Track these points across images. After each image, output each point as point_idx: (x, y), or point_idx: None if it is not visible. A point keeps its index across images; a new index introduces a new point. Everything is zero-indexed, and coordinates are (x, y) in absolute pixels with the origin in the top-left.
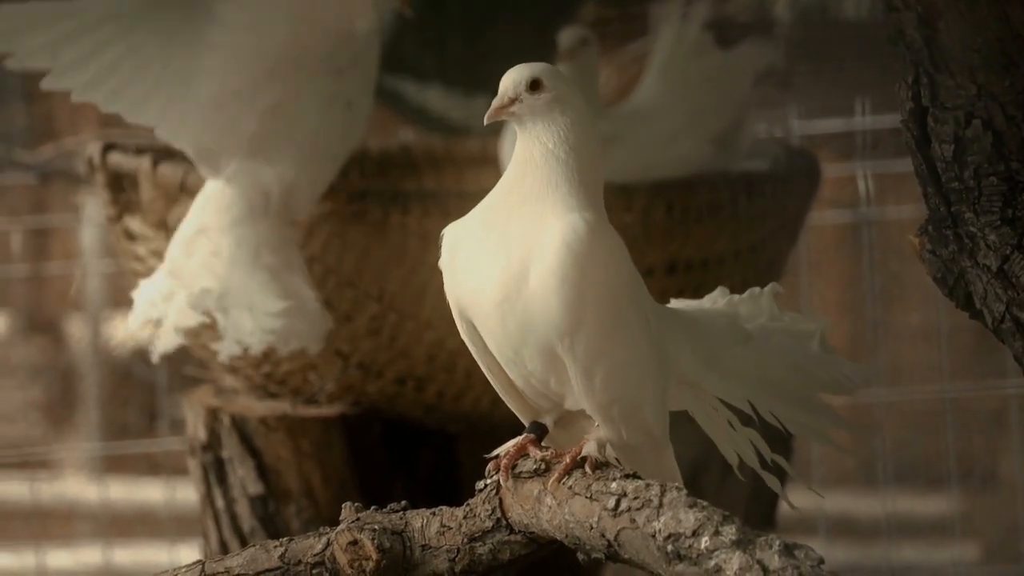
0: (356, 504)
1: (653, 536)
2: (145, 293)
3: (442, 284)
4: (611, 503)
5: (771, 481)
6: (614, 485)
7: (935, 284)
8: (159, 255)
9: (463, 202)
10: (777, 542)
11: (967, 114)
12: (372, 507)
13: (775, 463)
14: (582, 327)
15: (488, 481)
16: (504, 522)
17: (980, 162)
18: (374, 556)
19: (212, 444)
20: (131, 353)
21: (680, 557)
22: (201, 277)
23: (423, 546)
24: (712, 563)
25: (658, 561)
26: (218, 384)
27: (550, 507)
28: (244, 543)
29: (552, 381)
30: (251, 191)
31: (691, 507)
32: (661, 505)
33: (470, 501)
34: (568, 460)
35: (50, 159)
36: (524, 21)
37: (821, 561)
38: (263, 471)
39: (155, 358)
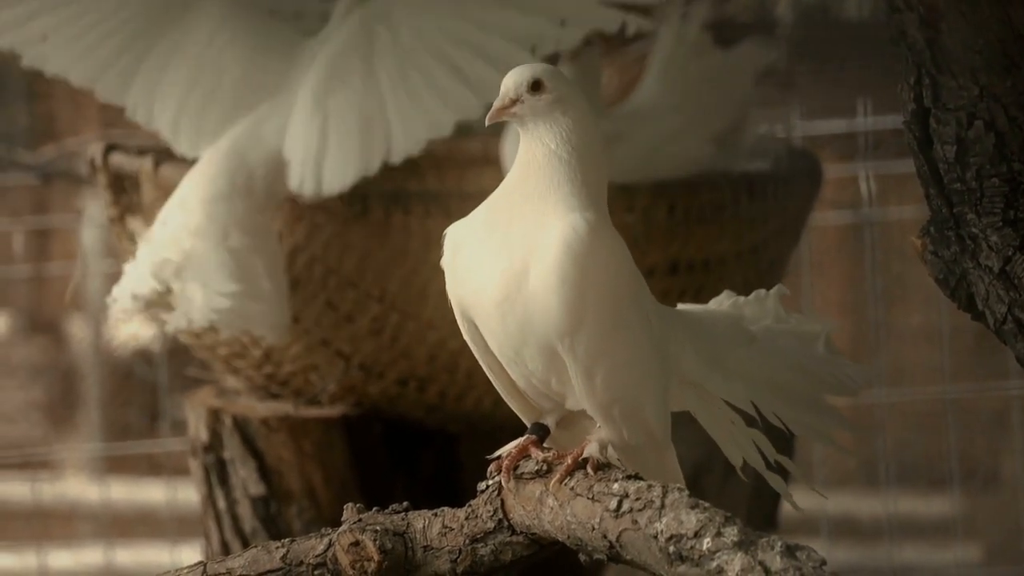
0: (358, 505)
1: (655, 537)
2: (128, 268)
3: (444, 284)
4: (613, 504)
5: (776, 482)
6: (616, 486)
7: (937, 285)
8: None
9: (465, 203)
10: (779, 543)
11: (969, 115)
12: (374, 508)
13: (778, 464)
14: (583, 327)
15: (490, 482)
16: (506, 523)
17: (982, 163)
18: (376, 557)
19: (214, 445)
20: (133, 354)
21: (682, 558)
22: (167, 247)
23: (425, 547)
24: (714, 564)
25: (660, 562)
26: (220, 385)
27: (552, 508)
28: (246, 544)
29: (553, 381)
30: (237, 168)
31: (693, 508)
32: (663, 506)
33: (472, 502)
34: (570, 461)
35: (52, 160)
36: None
37: (823, 562)
38: (265, 472)
39: (111, 323)
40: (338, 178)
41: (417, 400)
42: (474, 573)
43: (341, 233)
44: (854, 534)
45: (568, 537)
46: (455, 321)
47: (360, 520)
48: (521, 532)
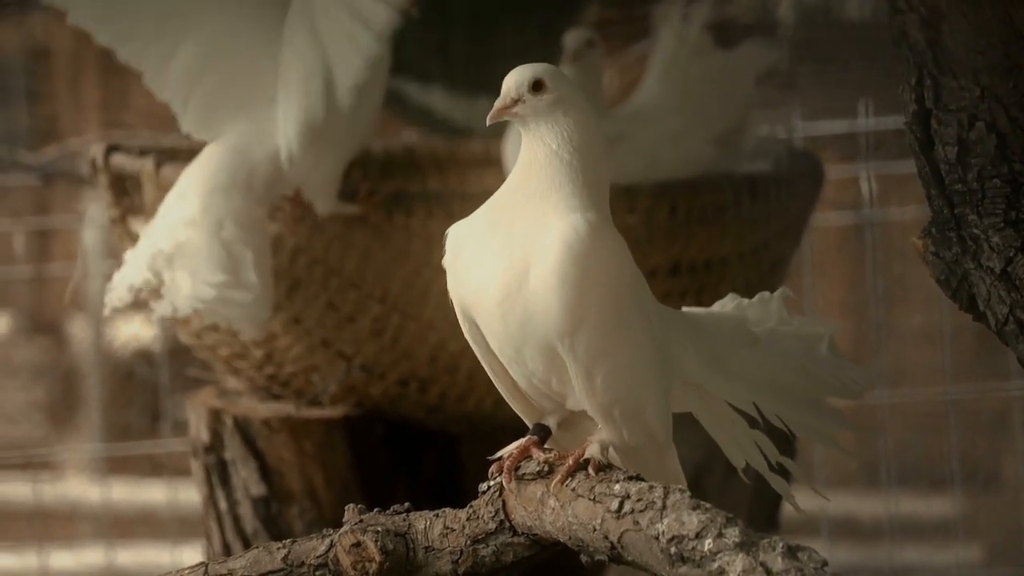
0: (359, 506)
1: (656, 538)
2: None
3: (445, 285)
4: (614, 505)
5: (778, 484)
6: (617, 487)
7: (938, 286)
8: None
9: (466, 203)
10: (781, 544)
11: (971, 116)
12: (375, 509)
13: (780, 465)
14: (583, 327)
15: (491, 483)
16: (507, 524)
17: (984, 164)
18: (377, 558)
19: (215, 445)
20: (134, 354)
21: (683, 559)
22: (162, 238)
23: (426, 548)
24: (716, 565)
25: (661, 563)
26: (221, 385)
27: (553, 509)
28: (247, 545)
29: (554, 381)
30: (239, 163)
31: (694, 509)
32: (664, 507)
33: (473, 503)
34: (571, 462)
35: (53, 160)
36: (527, 22)
37: (825, 563)
38: (266, 472)
39: (106, 312)
40: (291, 134)
41: (418, 401)
42: (475, 574)
43: (343, 234)
44: (855, 535)
45: (569, 538)
46: (456, 322)
47: (361, 521)
48: (522, 533)
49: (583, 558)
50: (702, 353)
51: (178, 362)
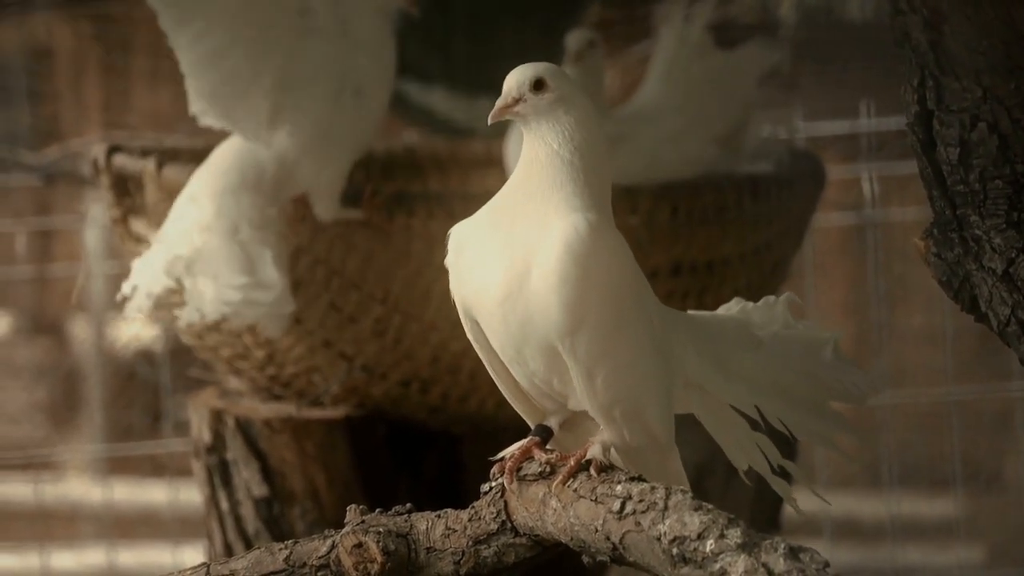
0: (361, 506)
1: (658, 539)
2: (138, 264)
3: (447, 286)
4: (616, 506)
5: (780, 486)
6: (619, 488)
7: (940, 287)
8: None
9: (468, 204)
10: (782, 545)
11: (972, 117)
12: (377, 509)
13: (781, 468)
14: (583, 327)
15: (493, 484)
16: (509, 525)
17: (985, 165)
18: (379, 559)
19: (217, 446)
20: (135, 354)
21: (685, 560)
22: (179, 243)
23: (428, 549)
24: (717, 566)
25: (663, 564)
26: (223, 386)
27: (555, 510)
28: (248, 545)
29: (555, 381)
30: (248, 164)
31: (696, 510)
32: (666, 508)
33: (475, 504)
34: (573, 463)
35: (54, 161)
36: (529, 23)
37: (826, 564)
38: (267, 473)
39: (128, 315)
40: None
41: (420, 401)
42: (477, 575)
43: (344, 235)
44: (857, 535)
45: (571, 539)
46: (458, 323)
47: (363, 522)
48: (524, 534)
49: (585, 559)
50: (704, 354)
51: (179, 362)
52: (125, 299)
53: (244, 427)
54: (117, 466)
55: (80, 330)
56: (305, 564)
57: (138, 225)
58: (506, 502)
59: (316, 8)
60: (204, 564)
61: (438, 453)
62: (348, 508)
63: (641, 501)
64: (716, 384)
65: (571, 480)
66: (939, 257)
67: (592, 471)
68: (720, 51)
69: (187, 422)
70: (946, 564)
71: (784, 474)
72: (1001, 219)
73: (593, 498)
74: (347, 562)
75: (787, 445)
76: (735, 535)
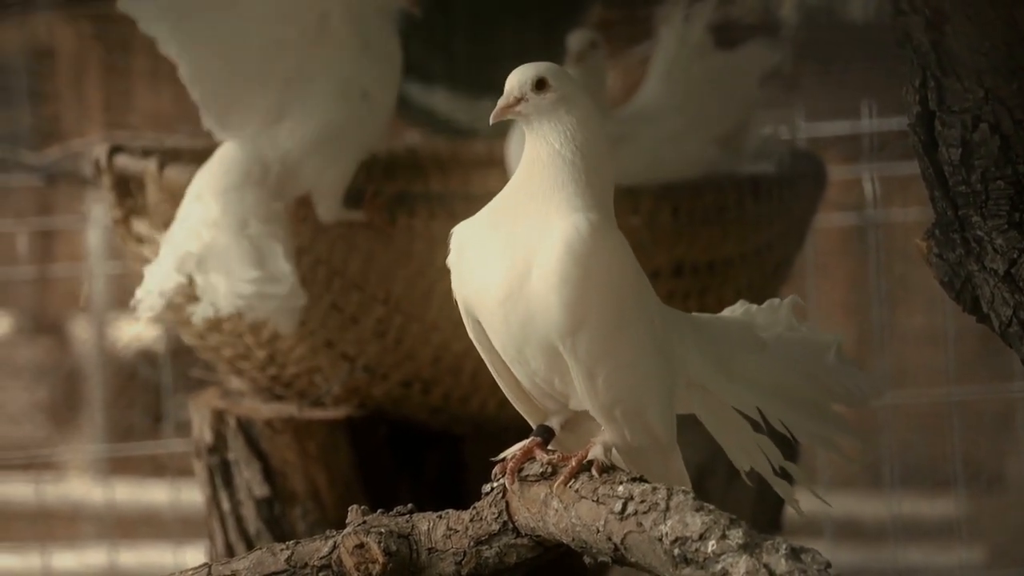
0: (362, 507)
1: (660, 540)
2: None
3: (448, 286)
4: (618, 506)
5: (781, 488)
6: (621, 488)
7: (942, 288)
8: None
9: (469, 204)
10: (784, 546)
11: (974, 118)
12: (378, 510)
13: (783, 469)
14: (584, 327)
15: (494, 484)
16: (510, 525)
17: (987, 166)
18: (380, 559)
19: (218, 446)
20: (136, 354)
21: (687, 561)
22: (188, 241)
23: (429, 549)
24: (719, 567)
25: (665, 565)
26: (224, 386)
27: (556, 510)
28: (250, 545)
29: (556, 381)
30: (252, 162)
31: (698, 511)
32: (668, 508)
33: (476, 504)
34: (574, 463)
35: (56, 161)
36: (530, 23)
37: (828, 565)
38: (269, 473)
39: (140, 321)
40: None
41: (421, 402)
42: (479, 575)
43: (346, 235)
44: (858, 536)
45: (572, 539)
46: (459, 323)
47: (365, 522)
48: (525, 534)
49: (586, 559)
50: (707, 355)
51: (181, 362)
52: (138, 303)
53: (245, 427)
54: (118, 466)
55: (81, 330)
56: (307, 564)
57: (140, 225)
58: (508, 503)
59: (331, 11)
60: (206, 564)
61: (439, 453)
62: (350, 508)
63: (643, 502)
64: (718, 385)
65: (573, 481)
66: (941, 258)
67: (594, 472)
68: (721, 51)
69: (188, 422)
70: (947, 565)
71: (785, 475)
72: (1003, 220)
73: (595, 499)
74: (348, 563)
75: (788, 446)
76: (737, 536)
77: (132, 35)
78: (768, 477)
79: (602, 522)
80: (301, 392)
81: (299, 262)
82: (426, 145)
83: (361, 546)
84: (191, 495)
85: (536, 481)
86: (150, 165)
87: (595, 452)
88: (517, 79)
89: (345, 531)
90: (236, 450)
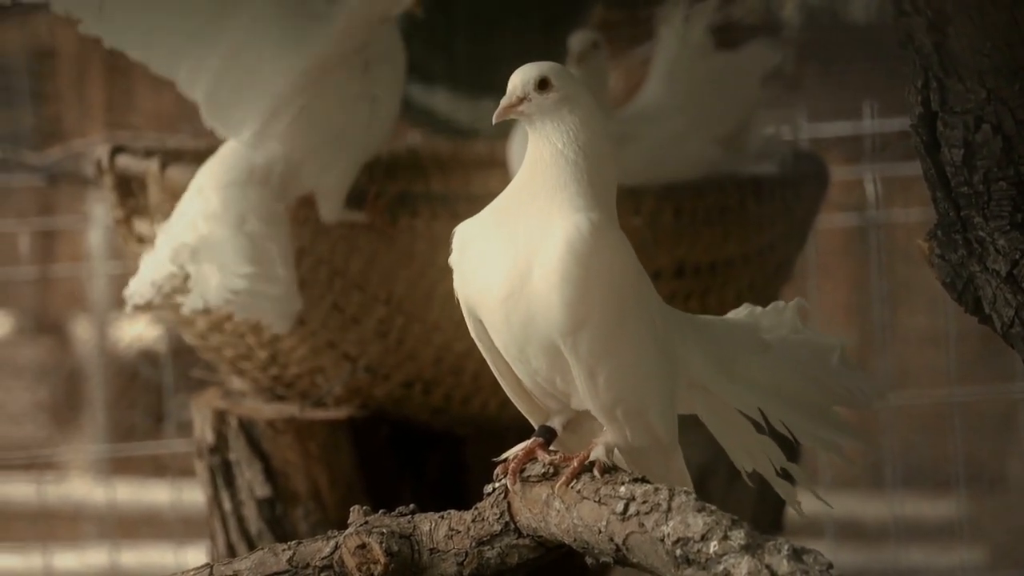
0: (364, 507)
1: (662, 540)
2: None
3: (450, 287)
4: (620, 507)
5: (783, 489)
6: (623, 489)
7: (944, 288)
8: None
9: (471, 205)
10: (786, 547)
11: (976, 118)
12: (380, 510)
13: (784, 470)
14: (585, 326)
15: (496, 485)
16: (512, 526)
17: (989, 167)
18: (382, 560)
19: (219, 446)
20: (138, 354)
21: (689, 561)
22: (184, 232)
23: (431, 550)
24: (721, 568)
25: (667, 565)
26: (226, 386)
27: (558, 511)
28: (251, 546)
29: (558, 380)
30: (256, 160)
31: (700, 511)
32: (670, 509)
33: (478, 505)
34: (576, 464)
35: (58, 161)
36: (531, 24)
37: (830, 566)
38: (270, 474)
39: (128, 309)
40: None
41: (423, 402)
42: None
43: (347, 235)
44: (859, 536)
45: (574, 540)
46: (461, 324)
47: (366, 522)
48: (527, 535)
49: (588, 560)
50: (709, 356)
51: (182, 363)
52: (130, 292)
53: (247, 428)
54: (120, 466)
55: (83, 330)
56: (308, 565)
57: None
58: (509, 503)
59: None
60: (208, 565)
61: (441, 454)
62: (351, 509)
63: (645, 502)
64: (720, 385)
65: (574, 481)
66: (943, 259)
67: (595, 472)
68: (722, 52)
69: (190, 422)
70: (949, 565)
71: (787, 476)
72: (1005, 221)
73: (596, 499)
74: (350, 563)
75: (790, 447)
76: (739, 536)
77: None
78: (770, 478)
79: (604, 523)
80: (303, 392)
81: (300, 262)
82: (427, 145)
83: (363, 546)
84: (192, 495)
85: (538, 482)
86: (152, 165)
87: (597, 453)
88: (520, 79)
89: (347, 531)
90: (238, 450)
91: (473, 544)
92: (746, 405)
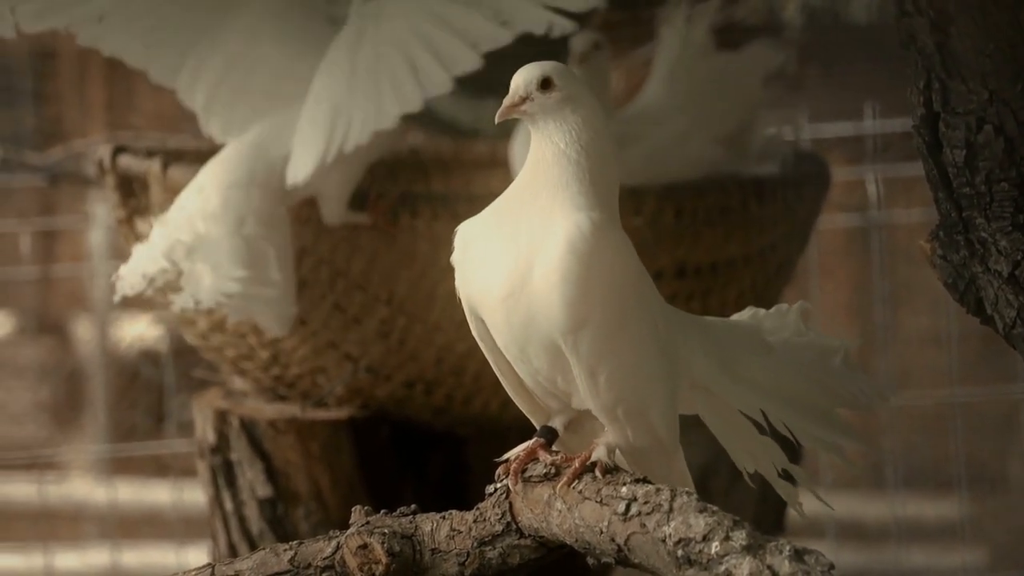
0: (366, 508)
1: (663, 541)
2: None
3: (451, 287)
4: (621, 507)
5: (784, 491)
6: (624, 489)
7: (946, 289)
8: None
9: (472, 205)
10: (787, 547)
11: (979, 119)
12: (382, 511)
13: (786, 471)
14: (586, 325)
15: (498, 485)
16: (514, 526)
17: (991, 167)
18: (384, 560)
19: (221, 446)
20: (139, 354)
21: (690, 562)
22: (181, 229)
23: (433, 550)
24: (722, 568)
25: (668, 566)
26: (227, 386)
27: (560, 511)
28: (253, 546)
29: (559, 379)
30: (258, 161)
31: (701, 512)
32: (671, 510)
33: (480, 505)
34: (578, 464)
35: (59, 161)
36: None
37: (831, 567)
38: (272, 474)
39: (116, 299)
40: (300, 168)
41: (424, 403)
42: None
43: (349, 236)
44: (861, 537)
45: (576, 540)
46: (462, 324)
47: (368, 523)
48: (529, 535)
49: (590, 560)
50: (711, 356)
51: (184, 362)
52: (120, 279)
53: (248, 427)
54: (121, 466)
55: (84, 330)
56: (310, 565)
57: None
58: (511, 503)
59: (343, 16)
60: (209, 565)
61: (443, 454)
62: (353, 509)
63: (646, 503)
64: (722, 386)
65: (576, 482)
66: (945, 259)
67: (597, 473)
68: (724, 52)
69: (191, 422)
70: (950, 566)
71: (788, 477)
72: (1007, 221)
73: (598, 500)
74: (352, 563)
75: (791, 448)
76: (740, 537)
77: None
78: (771, 479)
79: (605, 523)
80: (304, 393)
81: (302, 263)
82: (429, 146)
83: (364, 547)
84: (194, 495)
85: (540, 482)
86: (153, 165)
87: (599, 453)
88: (523, 78)
89: (348, 532)
90: (239, 450)
91: (475, 544)
92: (748, 406)
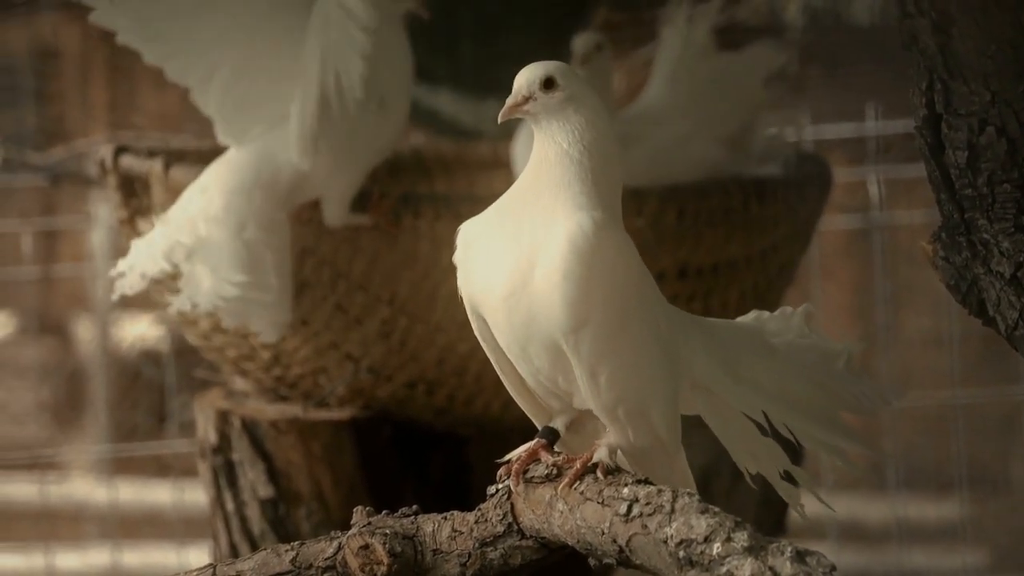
0: (367, 508)
1: (665, 542)
2: (137, 243)
3: (453, 287)
4: (623, 508)
5: (786, 492)
6: (626, 491)
7: (948, 291)
8: None
9: (474, 206)
10: (789, 548)
11: (981, 121)
12: (383, 511)
13: (787, 473)
14: (587, 325)
15: (499, 486)
16: (515, 527)
17: (994, 169)
18: (385, 560)
19: (222, 447)
20: (140, 354)
21: (692, 563)
22: (182, 230)
23: (434, 551)
24: (724, 569)
25: (670, 567)
26: (228, 387)
27: (562, 512)
28: (254, 546)
29: (560, 379)
30: (264, 165)
31: (703, 513)
32: (673, 511)
33: (481, 506)
34: (579, 465)
35: (61, 161)
36: (535, 25)
37: (833, 568)
38: (273, 474)
39: (114, 297)
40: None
41: (426, 403)
42: None
43: (351, 236)
44: (862, 538)
45: (578, 541)
46: (464, 324)
47: (369, 523)
48: (530, 536)
49: (591, 561)
50: (713, 357)
51: (185, 363)
52: (118, 275)
53: (250, 428)
54: (122, 466)
55: (85, 330)
56: (311, 565)
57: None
58: (512, 504)
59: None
60: (211, 565)
61: (444, 455)
62: (354, 510)
63: (648, 504)
64: (724, 387)
65: (578, 482)
66: (947, 261)
67: (599, 473)
68: (725, 53)
69: (192, 422)
70: (951, 568)
71: (790, 478)
72: (1009, 223)
73: (600, 500)
74: (353, 564)
75: (793, 449)
76: (742, 538)
77: None
78: (773, 480)
79: (607, 524)
80: (306, 393)
81: (303, 263)
82: (431, 146)
83: (366, 547)
84: (195, 495)
85: (541, 483)
86: (155, 165)
87: (600, 454)
88: (525, 78)
89: (350, 532)
90: (240, 451)
91: (476, 545)
92: (750, 407)
